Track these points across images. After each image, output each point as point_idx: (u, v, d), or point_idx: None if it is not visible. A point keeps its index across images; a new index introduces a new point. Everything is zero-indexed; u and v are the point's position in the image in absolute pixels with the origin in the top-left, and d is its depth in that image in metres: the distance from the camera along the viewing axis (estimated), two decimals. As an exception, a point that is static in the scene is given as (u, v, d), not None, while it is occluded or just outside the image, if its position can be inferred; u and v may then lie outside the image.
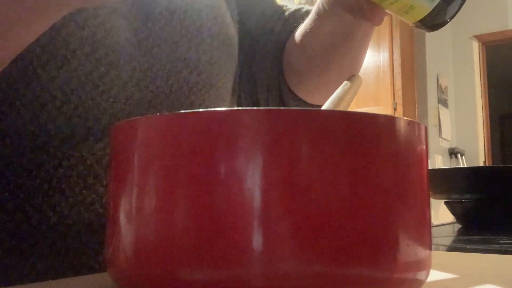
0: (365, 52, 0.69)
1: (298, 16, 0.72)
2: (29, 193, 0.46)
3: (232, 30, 0.66)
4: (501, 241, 0.63)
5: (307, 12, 0.70)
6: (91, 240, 0.48)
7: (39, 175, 0.46)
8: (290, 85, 0.71)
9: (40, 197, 0.47)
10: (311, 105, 0.73)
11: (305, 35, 0.67)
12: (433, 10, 0.51)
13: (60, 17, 0.39)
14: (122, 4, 0.52)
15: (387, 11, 0.54)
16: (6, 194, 0.46)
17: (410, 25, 0.54)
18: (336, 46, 0.65)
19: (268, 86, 0.72)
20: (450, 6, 0.52)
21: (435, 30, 0.54)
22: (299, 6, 0.74)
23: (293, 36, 0.70)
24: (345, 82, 0.41)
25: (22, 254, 0.46)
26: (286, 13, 0.73)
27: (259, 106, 0.73)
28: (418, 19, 0.52)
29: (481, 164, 4.59)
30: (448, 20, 0.53)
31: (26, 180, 0.46)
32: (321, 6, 0.62)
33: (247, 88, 0.73)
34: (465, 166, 4.11)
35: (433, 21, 0.52)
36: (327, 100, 0.39)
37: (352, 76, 0.43)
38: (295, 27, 0.70)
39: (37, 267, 0.46)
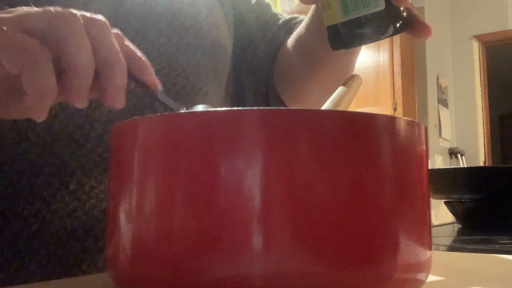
0: (356, 57, 0.67)
1: (292, 24, 0.71)
2: (10, 200, 0.46)
3: (224, 33, 0.65)
4: (501, 241, 0.63)
5: (302, 21, 0.69)
6: (74, 248, 0.48)
7: (20, 183, 0.46)
8: (278, 91, 0.71)
9: (21, 204, 0.46)
10: None
11: (298, 39, 0.66)
12: (344, 23, 0.47)
13: None
14: (104, 7, 0.51)
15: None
16: None
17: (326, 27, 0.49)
18: (327, 52, 0.64)
19: (255, 91, 0.71)
20: (367, 29, 0.47)
21: (336, 49, 0.50)
22: (294, 15, 0.74)
23: (287, 41, 0.69)
24: (345, 82, 0.41)
25: (4, 261, 0.46)
26: (280, 21, 0.73)
27: None
28: (328, 24, 0.48)
29: (481, 164, 4.58)
30: (352, 45, 0.49)
31: (7, 188, 0.46)
32: (313, 11, 0.62)
33: (234, 91, 0.72)
34: (465, 166, 4.11)
35: (340, 36, 0.48)
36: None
37: (352, 76, 0.43)
38: (290, 34, 0.69)
39: (20, 274, 0.46)
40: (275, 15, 0.73)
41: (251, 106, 0.71)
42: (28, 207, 0.46)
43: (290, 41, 0.68)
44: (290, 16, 0.73)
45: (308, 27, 0.64)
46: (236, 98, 0.72)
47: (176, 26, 0.56)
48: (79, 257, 0.48)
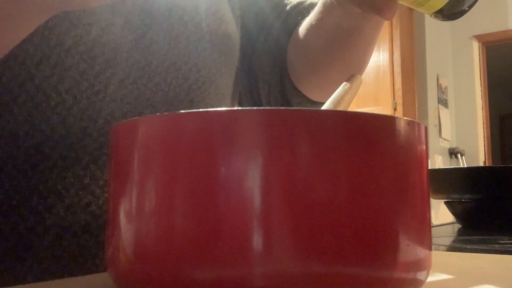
0: (372, 50, 0.66)
1: (300, 9, 0.70)
2: (24, 194, 0.46)
3: (232, 26, 0.65)
4: (501, 241, 0.63)
5: (311, 5, 0.68)
6: (88, 242, 0.48)
7: (34, 176, 0.46)
8: (293, 81, 0.70)
9: (35, 199, 0.46)
10: (314, 102, 0.72)
11: (310, 28, 0.65)
12: (450, 0, 0.50)
13: (44, 20, 0.39)
14: (119, 1, 0.51)
15: (401, 2, 0.51)
16: (1, 196, 0.45)
17: (428, 14, 0.52)
18: (342, 42, 0.63)
19: (269, 82, 0.70)
20: None
21: (454, 20, 0.53)
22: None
23: (297, 31, 0.68)
24: (345, 82, 0.41)
25: (17, 257, 0.46)
26: (288, 7, 0.71)
27: (260, 101, 0.71)
28: (435, 10, 0.51)
29: (481, 164, 4.58)
30: (467, 9, 0.52)
31: (21, 182, 0.46)
32: None
33: (247, 83, 0.72)
34: (465, 166, 4.11)
35: (451, 11, 0.51)
36: (330, 96, 0.39)
37: (352, 76, 0.43)
38: (298, 21, 0.68)
39: (33, 270, 0.46)
40: (281, 1, 0.73)
41: (266, 97, 0.71)
42: (43, 201, 0.46)
43: (301, 33, 0.67)
44: (297, 0, 0.72)
45: (319, 22, 0.63)
46: (250, 90, 0.72)
47: (187, 20, 0.57)
48: (93, 252, 0.48)
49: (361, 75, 0.64)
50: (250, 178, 0.23)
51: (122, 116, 0.50)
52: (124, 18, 0.52)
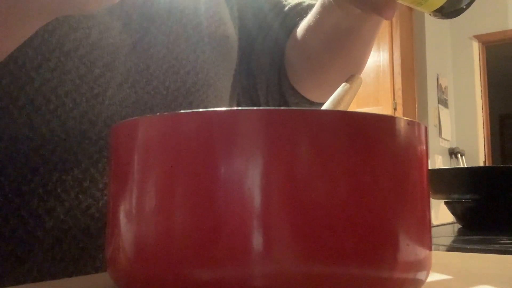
0: (370, 50, 0.66)
1: (299, 10, 0.70)
2: (24, 198, 0.46)
3: (231, 29, 0.65)
4: (501, 241, 0.63)
5: (309, 6, 0.68)
6: (88, 245, 0.48)
7: (34, 180, 0.46)
8: (291, 82, 0.70)
9: (35, 202, 0.46)
10: (312, 103, 0.72)
11: (308, 29, 0.65)
12: None
13: (43, 24, 0.39)
14: (117, 4, 0.51)
15: (401, 1, 0.52)
16: (1, 199, 0.45)
17: (427, 13, 0.53)
18: (340, 42, 0.63)
19: (267, 82, 0.70)
20: None
21: (452, 18, 0.54)
22: (300, 0, 0.72)
23: (295, 31, 0.68)
24: (345, 82, 0.41)
25: (17, 260, 0.45)
26: (286, 8, 0.71)
27: (258, 102, 0.71)
28: (435, 9, 0.51)
29: (481, 164, 4.59)
30: (465, 7, 0.52)
31: (21, 185, 0.45)
32: None
33: (245, 84, 0.72)
34: (465, 166, 4.11)
35: (450, 9, 0.51)
36: (329, 97, 0.39)
37: (352, 76, 0.43)
38: (297, 22, 0.68)
39: (33, 273, 0.46)
40: (280, 2, 0.73)
41: (265, 97, 0.71)
42: (43, 204, 0.46)
43: (299, 34, 0.67)
44: (296, 1, 0.72)
45: (317, 23, 0.63)
46: (248, 91, 0.72)
47: (185, 23, 0.57)
48: (93, 255, 0.48)
49: (359, 75, 0.64)
50: (250, 178, 0.23)
51: (121, 119, 0.49)
52: (123, 21, 0.52)
